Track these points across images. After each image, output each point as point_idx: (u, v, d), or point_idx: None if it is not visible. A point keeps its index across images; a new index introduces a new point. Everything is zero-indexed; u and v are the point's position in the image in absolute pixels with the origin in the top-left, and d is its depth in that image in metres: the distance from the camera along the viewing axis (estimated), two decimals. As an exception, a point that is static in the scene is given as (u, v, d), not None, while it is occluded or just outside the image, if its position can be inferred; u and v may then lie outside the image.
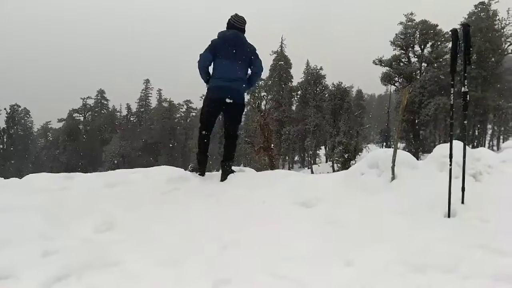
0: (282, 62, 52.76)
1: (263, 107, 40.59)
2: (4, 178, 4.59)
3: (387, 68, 41.71)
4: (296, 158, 58.00)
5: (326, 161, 49.68)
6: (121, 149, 54.25)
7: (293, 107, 54.92)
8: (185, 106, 64.24)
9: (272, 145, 24.80)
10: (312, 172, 37.94)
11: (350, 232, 2.99)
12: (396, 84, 42.41)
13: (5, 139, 57.96)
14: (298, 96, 54.32)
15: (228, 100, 4.73)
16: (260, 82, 53.42)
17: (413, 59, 42.36)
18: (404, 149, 37.28)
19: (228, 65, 4.70)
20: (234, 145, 5.11)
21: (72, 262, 2.42)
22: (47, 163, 55.44)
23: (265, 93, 54.09)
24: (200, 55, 4.72)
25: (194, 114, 63.15)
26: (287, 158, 54.23)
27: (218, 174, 5.16)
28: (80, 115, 67.09)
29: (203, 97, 4.93)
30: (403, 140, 41.58)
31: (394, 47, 41.80)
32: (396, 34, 41.51)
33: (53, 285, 2.23)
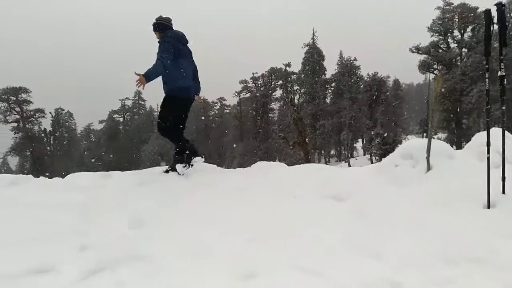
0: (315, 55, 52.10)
1: (296, 101, 40.34)
2: (49, 178, 4.86)
3: (425, 55, 40.11)
4: (332, 152, 57.19)
5: (364, 154, 48.64)
6: (159, 148, 55.70)
7: (327, 100, 54.10)
8: (219, 104, 64.97)
9: (306, 139, 24.62)
10: (349, 166, 37.29)
11: (380, 225, 2.92)
12: (435, 72, 40.69)
13: (51, 141, 61.12)
14: (332, 89, 53.43)
15: (190, 100, 5.00)
16: (293, 76, 53.05)
17: (453, 45, 40.45)
18: (446, 139, 35.86)
19: (187, 64, 4.90)
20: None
21: (106, 256, 2.53)
22: (91, 163, 57.96)
23: (298, 87, 53.65)
24: (164, 56, 4.56)
25: (227, 111, 63.71)
26: (322, 152, 53.60)
27: (251, 169, 5.17)
28: (120, 116, 69.57)
29: (167, 98, 4.87)
30: (445, 130, 39.94)
31: (432, 33, 40.08)
32: (433, 20, 39.76)
33: (89, 278, 2.33)
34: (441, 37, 40.16)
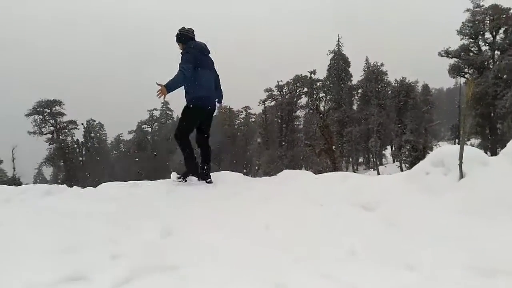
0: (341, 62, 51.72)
1: (322, 108, 39.99)
2: (82, 188, 5.05)
3: (455, 59, 39.02)
4: (361, 159, 56.27)
5: (393, 161, 47.52)
6: (187, 157, 56.39)
7: (354, 107, 53.42)
8: (244, 112, 65.39)
9: (333, 147, 24.33)
10: (378, 174, 36.49)
11: (411, 234, 2.84)
12: (466, 76, 39.48)
13: (83, 152, 63.15)
14: (358, 95, 52.77)
15: (211, 109, 5.06)
16: (318, 83, 52.81)
17: (484, 48, 39.17)
18: (479, 145, 34.60)
19: (208, 74, 4.98)
20: (210, 147, 5.33)
21: (137, 265, 2.57)
22: (121, 172, 59.43)
23: (324, 94, 53.33)
24: (185, 67, 4.67)
25: (253, 119, 64.03)
26: (350, 159, 52.84)
27: (277, 178, 5.19)
28: (148, 127, 71.25)
29: (188, 108, 4.95)
30: (478, 136, 38.57)
31: (462, 36, 38.98)
32: (462, 23, 38.70)
33: (121, 287, 2.37)
34: (471, 40, 39.03)
